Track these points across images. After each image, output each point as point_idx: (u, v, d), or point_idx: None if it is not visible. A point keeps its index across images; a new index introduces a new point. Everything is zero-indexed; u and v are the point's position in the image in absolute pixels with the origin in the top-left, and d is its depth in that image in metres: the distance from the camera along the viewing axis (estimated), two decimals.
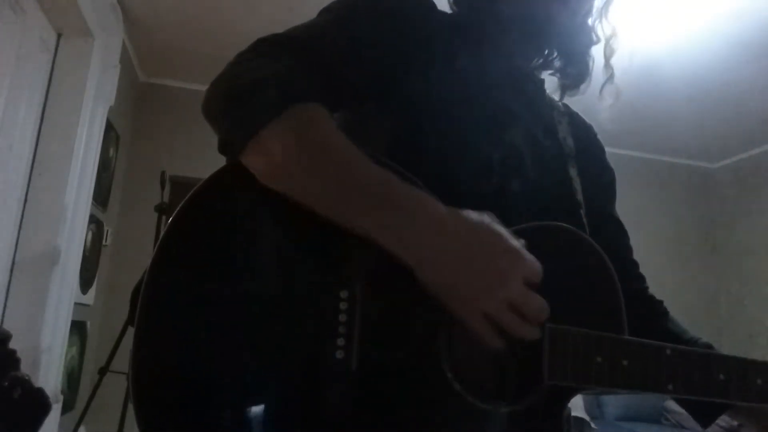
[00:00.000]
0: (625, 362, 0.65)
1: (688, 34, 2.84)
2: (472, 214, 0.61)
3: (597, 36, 0.88)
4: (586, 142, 0.91)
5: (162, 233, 0.61)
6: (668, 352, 0.67)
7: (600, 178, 0.92)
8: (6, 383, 1.47)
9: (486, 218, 0.61)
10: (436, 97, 0.74)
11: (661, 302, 0.91)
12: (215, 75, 0.65)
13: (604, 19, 0.88)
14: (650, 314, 0.89)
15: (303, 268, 0.61)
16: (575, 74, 0.87)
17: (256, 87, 0.61)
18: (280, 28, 0.71)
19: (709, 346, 0.83)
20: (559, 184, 0.82)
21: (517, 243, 0.60)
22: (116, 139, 3.27)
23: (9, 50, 2.12)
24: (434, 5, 0.80)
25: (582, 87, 0.88)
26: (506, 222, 0.69)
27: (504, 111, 0.80)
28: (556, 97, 0.90)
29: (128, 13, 2.96)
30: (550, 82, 0.91)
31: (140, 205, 3.41)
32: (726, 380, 0.68)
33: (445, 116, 0.74)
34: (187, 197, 0.61)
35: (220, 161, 0.66)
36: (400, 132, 0.74)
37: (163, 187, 2.86)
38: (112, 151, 3.21)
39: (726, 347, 4.20)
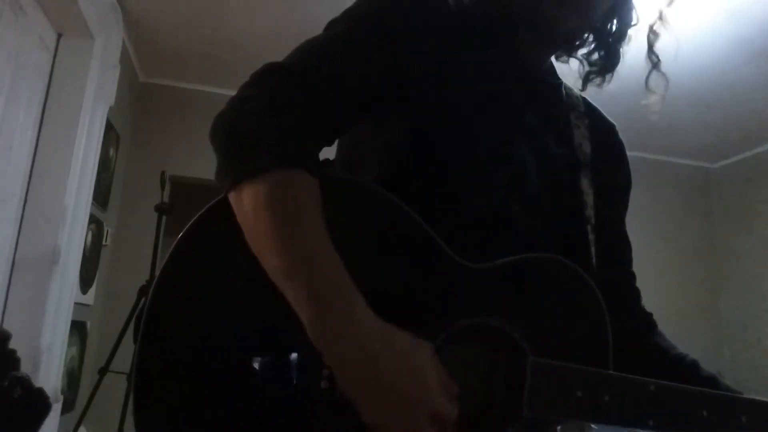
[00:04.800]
0: (606, 397, 0.65)
1: (688, 33, 2.84)
2: (404, 342, 0.59)
3: (635, 17, 0.84)
4: (606, 146, 0.88)
5: (166, 257, 0.63)
6: (652, 388, 0.67)
7: (614, 185, 0.90)
8: (6, 383, 1.47)
9: (416, 350, 0.60)
10: (439, 112, 0.73)
11: (650, 315, 0.91)
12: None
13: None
14: (639, 329, 0.88)
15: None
16: (602, 62, 0.84)
17: (250, 138, 0.62)
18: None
19: (695, 363, 0.82)
20: (567, 198, 0.81)
21: (434, 385, 0.58)
22: (116, 139, 3.27)
23: (9, 50, 2.12)
24: (444, 2, 0.77)
25: (608, 77, 0.85)
26: (505, 243, 0.70)
27: (512, 121, 0.78)
28: (578, 86, 0.87)
29: (128, 13, 2.96)
30: (571, 69, 0.87)
31: (140, 205, 3.41)
32: (709, 417, 0.67)
33: (447, 132, 0.73)
34: (190, 222, 0.64)
35: None
36: (403, 147, 0.74)
37: (163, 187, 2.86)
38: (112, 151, 3.21)
39: (725, 348, 4.21)
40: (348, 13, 0.74)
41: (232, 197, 0.62)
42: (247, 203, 0.61)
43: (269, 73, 0.68)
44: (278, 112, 0.64)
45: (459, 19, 0.78)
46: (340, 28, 0.73)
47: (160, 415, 0.61)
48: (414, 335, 0.60)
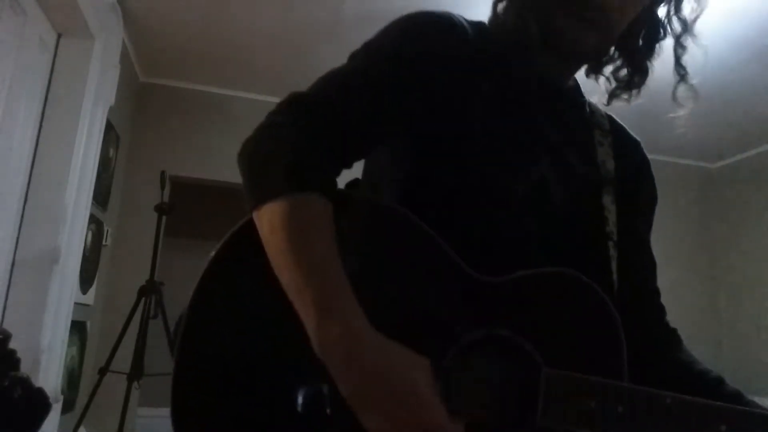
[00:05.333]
0: (620, 409, 0.64)
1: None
2: (402, 356, 0.60)
3: (662, 31, 0.84)
4: (630, 163, 0.89)
5: (203, 269, 0.68)
6: (668, 401, 0.65)
7: (638, 202, 0.90)
8: (6, 383, 1.47)
9: (412, 364, 0.60)
10: (459, 130, 0.75)
11: (674, 331, 0.90)
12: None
13: (673, 14, 0.84)
14: (660, 345, 0.88)
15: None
16: (628, 78, 0.85)
17: (271, 163, 0.67)
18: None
19: (720, 379, 0.81)
20: (587, 215, 0.82)
21: (428, 393, 0.59)
22: (116, 139, 3.28)
23: (9, 50, 2.12)
24: (463, 27, 0.79)
25: (635, 92, 0.85)
26: (523, 259, 0.71)
27: (533, 139, 0.79)
28: (603, 102, 0.88)
29: (128, 13, 2.96)
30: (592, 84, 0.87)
31: (140, 205, 3.41)
32: None
33: (469, 150, 0.75)
34: (228, 234, 0.69)
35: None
36: (421, 164, 0.76)
37: (163, 187, 2.86)
38: (112, 151, 3.21)
39: (726, 348, 4.21)
40: (369, 45, 0.77)
41: (255, 216, 0.66)
42: (265, 223, 0.65)
43: (294, 103, 0.72)
44: (300, 140, 0.68)
45: (478, 42, 0.79)
46: (361, 60, 0.76)
47: (197, 419, 0.65)
48: (412, 351, 0.61)
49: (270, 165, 0.67)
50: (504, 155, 0.76)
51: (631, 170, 0.88)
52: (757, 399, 0.74)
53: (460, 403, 0.65)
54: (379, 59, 0.76)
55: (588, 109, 0.89)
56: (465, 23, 0.80)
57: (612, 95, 0.87)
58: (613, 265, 0.81)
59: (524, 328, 0.67)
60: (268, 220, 0.64)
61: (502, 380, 0.67)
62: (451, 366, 0.65)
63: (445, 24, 0.78)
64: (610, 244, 0.81)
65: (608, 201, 0.83)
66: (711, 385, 0.80)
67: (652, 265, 0.91)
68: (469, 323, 0.66)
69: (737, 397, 0.77)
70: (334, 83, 0.74)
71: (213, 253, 0.68)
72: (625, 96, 0.87)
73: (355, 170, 0.80)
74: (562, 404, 0.64)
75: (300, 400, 0.64)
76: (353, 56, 0.77)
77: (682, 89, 0.85)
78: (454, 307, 0.67)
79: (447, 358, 0.65)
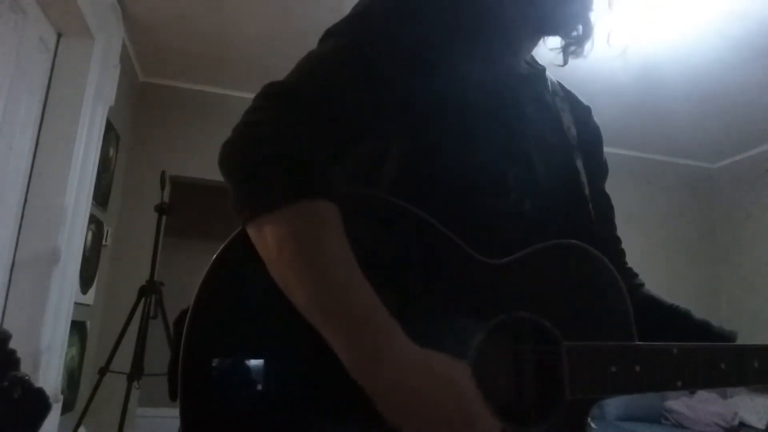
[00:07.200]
0: (637, 368, 0.69)
1: (688, 33, 2.84)
2: (444, 367, 0.58)
3: None
4: (587, 128, 0.93)
5: (196, 293, 0.61)
6: (675, 351, 0.71)
7: (597, 160, 0.95)
8: (6, 383, 1.47)
9: (457, 374, 0.59)
10: (449, 114, 0.73)
11: (637, 275, 0.96)
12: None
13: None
14: (631, 286, 0.92)
15: None
16: (578, 34, 0.85)
17: (262, 167, 0.59)
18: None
19: (689, 311, 0.89)
20: (568, 184, 0.84)
21: (478, 407, 0.59)
22: (116, 139, 3.28)
23: (9, 50, 2.12)
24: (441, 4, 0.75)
25: (587, 46, 0.86)
26: (520, 241, 0.72)
27: (516, 117, 0.79)
28: (558, 63, 0.88)
29: (128, 13, 2.96)
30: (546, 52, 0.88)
31: (140, 205, 3.41)
32: (727, 369, 0.73)
33: (459, 133, 0.73)
34: (219, 250, 0.62)
35: None
36: (415, 153, 0.72)
37: (163, 187, 2.86)
38: (112, 151, 3.21)
39: None
40: (350, 24, 0.70)
41: (251, 230, 0.59)
42: (269, 238, 0.58)
43: (274, 96, 0.64)
44: (289, 138, 0.60)
45: (470, 16, 0.76)
46: (342, 40, 0.69)
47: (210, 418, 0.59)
48: (451, 357, 0.60)
49: (263, 170, 0.59)
50: (495, 140, 0.76)
51: (588, 134, 0.92)
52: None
53: (490, 395, 0.64)
54: (364, 40, 0.68)
55: (547, 77, 0.90)
56: None
57: (566, 52, 0.87)
58: (594, 226, 0.85)
59: (540, 304, 0.69)
60: (274, 235, 0.57)
61: (525, 362, 0.69)
62: (476, 356, 0.64)
63: None
64: (590, 206, 0.85)
65: (580, 165, 0.86)
66: (682, 315, 0.89)
67: (612, 211, 0.97)
68: (488, 308, 0.66)
69: (706, 325, 0.87)
70: (318, 70, 0.66)
71: (216, 254, 0.62)
72: (577, 52, 0.87)
73: None
74: (587, 375, 0.67)
75: (312, 399, 0.60)
76: (331, 34, 0.70)
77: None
78: (471, 294, 0.67)
79: (471, 349, 0.64)
